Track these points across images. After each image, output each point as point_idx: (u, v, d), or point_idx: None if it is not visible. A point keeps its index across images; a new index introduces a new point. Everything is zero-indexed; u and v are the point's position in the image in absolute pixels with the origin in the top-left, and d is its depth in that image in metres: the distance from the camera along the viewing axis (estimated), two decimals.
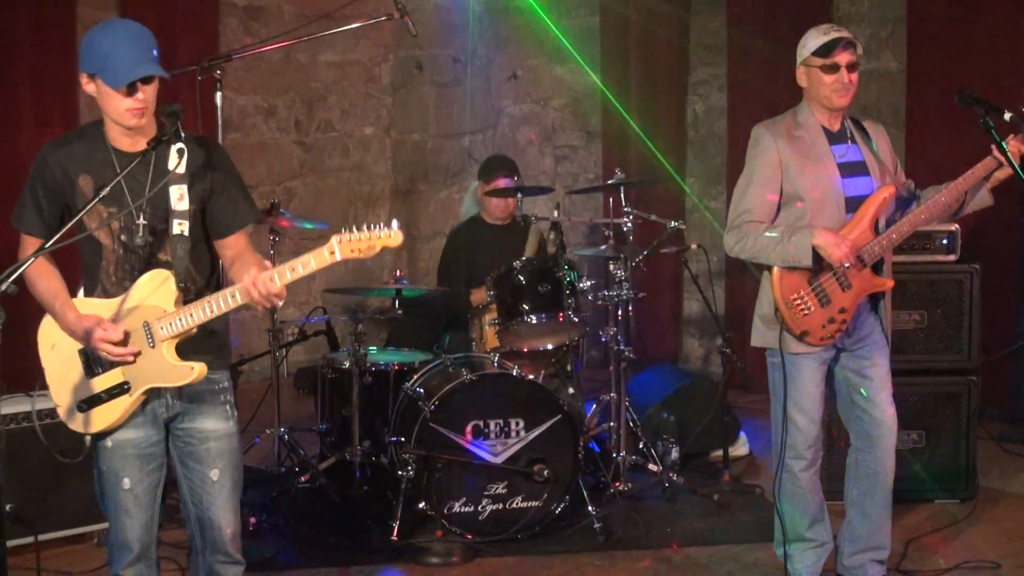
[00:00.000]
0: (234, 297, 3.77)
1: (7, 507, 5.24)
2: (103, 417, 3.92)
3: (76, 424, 3.95)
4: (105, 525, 4.24)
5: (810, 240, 4.58)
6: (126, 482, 3.98)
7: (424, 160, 10.89)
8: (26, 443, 5.46)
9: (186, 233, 3.91)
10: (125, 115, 3.81)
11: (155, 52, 3.82)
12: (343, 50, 10.51)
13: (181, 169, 3.87)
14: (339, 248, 3.68)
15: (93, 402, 3.90)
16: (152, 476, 4.04)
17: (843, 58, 4.64)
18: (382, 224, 3.69)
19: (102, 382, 3.91)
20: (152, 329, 3.85)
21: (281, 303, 3.82)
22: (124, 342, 3.83)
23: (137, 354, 3.86)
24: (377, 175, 10.99)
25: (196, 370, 3.87)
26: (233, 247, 4.04)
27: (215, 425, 4.04)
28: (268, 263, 3.79)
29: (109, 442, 3.96)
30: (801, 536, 4.95)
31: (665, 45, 9.45)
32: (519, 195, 6.72)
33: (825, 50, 4.64)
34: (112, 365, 3.89)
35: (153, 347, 3.86)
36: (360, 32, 10.03)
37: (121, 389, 3.89)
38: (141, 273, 3.90)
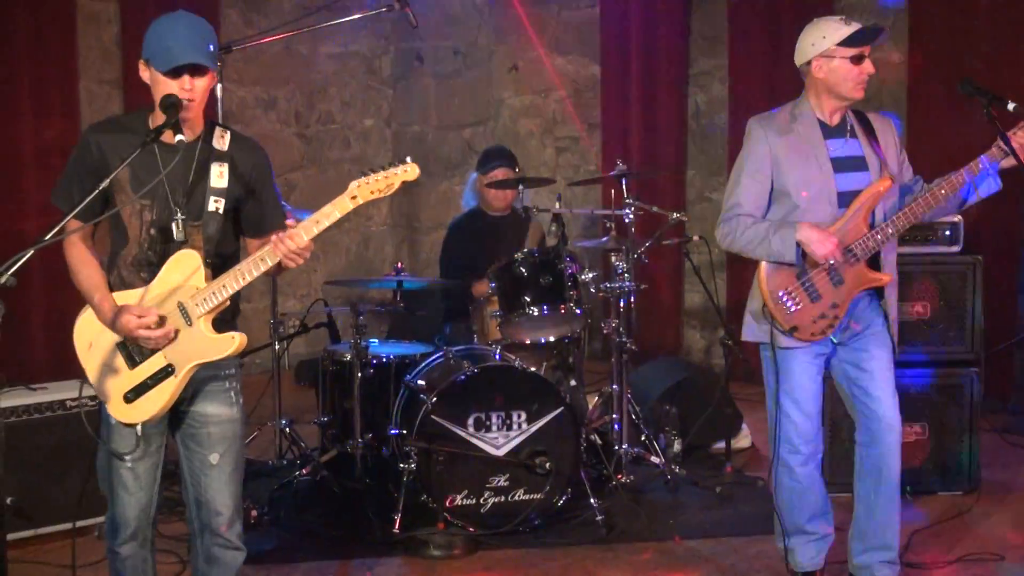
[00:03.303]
0: (264, 260, 3.85)
1: (7, 500, 5.27)
2: (152, 403, 3.94)
3: (127, 416, 3.96)
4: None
5: (794, 236, 4.56)
6: (128, 460, 4.00)
7: (425, 152, 10.86)
8: (27, 436, 5.47)
9: (220, 211, 3.94)
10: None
11: (211, 47, 3.85)
12: (343, 42, 10.49)
13: (223, 146, 3.95)
14: (359, 192, 3.81)
15: (140, 391, 3.92)
16: (153, 457, 4.06)
17: (867, 48, 4.60)
18: (396, 161, 3.83)
19: (145, 370, 3.92)
20: (187, 308, 3.89)
21: (308, 257, 3.86)
22: (160, 324, 3.86)
23: (176, 333, 3.89)
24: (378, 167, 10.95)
25: (237, 339, 3.92)
26: (256, 249, 4.07)
27: (217, 410, 4.05)
28: (291, 221, 3.86)
29: (113, 421, 3.98)
30: (801, 529, 4.92)
31: (666, 36, 9.43)
32: (520, 187, 6.71)
33: (855, 40, 4.57)
34: (152, 351, 3.91)
35: (191, 325, 3.90)
36: (360, 23, 10.02)
37: (166, 372, 3.91)
38: (158, 264, 3.91)
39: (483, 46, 10.52)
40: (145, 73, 3.87)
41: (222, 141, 3.97)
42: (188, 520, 4.21)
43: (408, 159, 3.85)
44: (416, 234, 10.98)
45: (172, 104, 3.78)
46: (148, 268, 3.93)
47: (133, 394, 3.93)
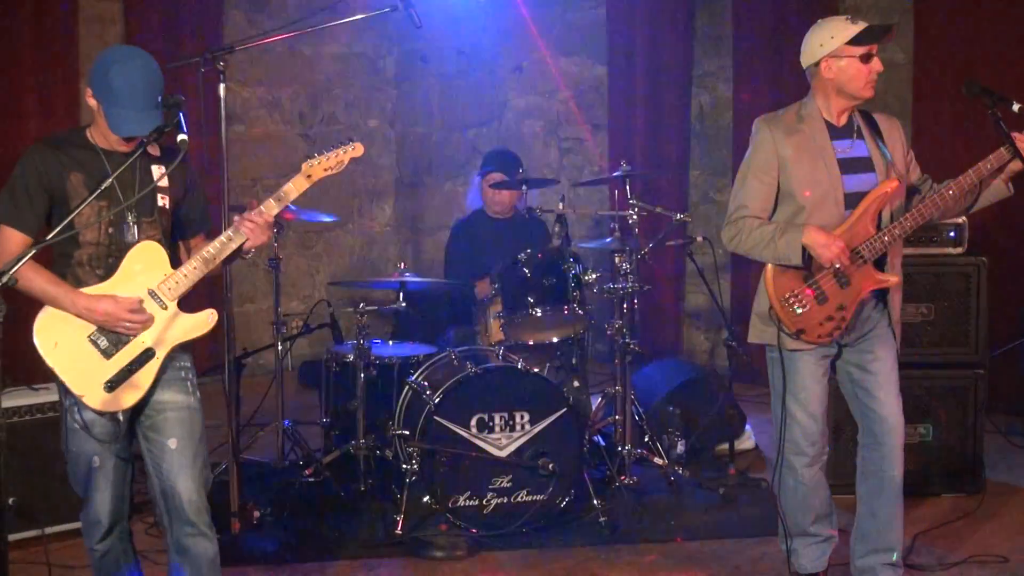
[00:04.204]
0: (230, 238, 4.10)
1: (9, 501, 5.27)
2: (135, 388, 4.06)
3: (109, 405, 4.05)
4: None
5: (800, 239, 4.53)
6: (96, 460, 4.12)
7: (429, 153, 10.86)
8: (29, 436, 5.46)
9: (167, 207, 4.16)
10: (115, 142, 4.04)
11: (159, 97, 3.98)
12: (347, 42, 10.49)
13: (156, 153, 4.16)
14: (313, 171, 4.26)
15: (120, 379, 4.03)
16: (120, 454, 4.17)
17: (874, 47, 4.58)
18: (346, 141, 4.33)
19: (124, 357, 4.04)
20: (159, 293, 4.06)
21: (270, 235, 4.23)
22: (141, 309, 4.03)
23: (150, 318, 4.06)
24: (381, 168, 10.97)
25: (214, 315, 4.17)
26: (190, 249, 4.36)
27: (173, 397, 4.16)
28: (255, 202, 4.20)
29: (76, 424, 4.06)
30: (804, 531, 4.91)
31: (670, 37, 9.42)
32: (524, 188, 6.70)
33: (863, 39, 4.53)
34: (127, 340, 4.04)
35: (166, 309, 4.07)
36: (364, 24, 10.00)
37: (147, 356, 4.06)
38: (115, 261, 4.05)
39: (487, 47, 10.52)
40: (92, 102, 4.00)
41: (155, 149, 4.15)
42: (156, 517, 4.32)
43: (351, 138, 4.34)
44: (420, 235, 10.98)
45: (175, 103, 3.93)
46: (105, 264, 4.06)
47: (113, 383, 4.02)
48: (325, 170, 4.26)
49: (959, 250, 6.17)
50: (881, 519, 4.80)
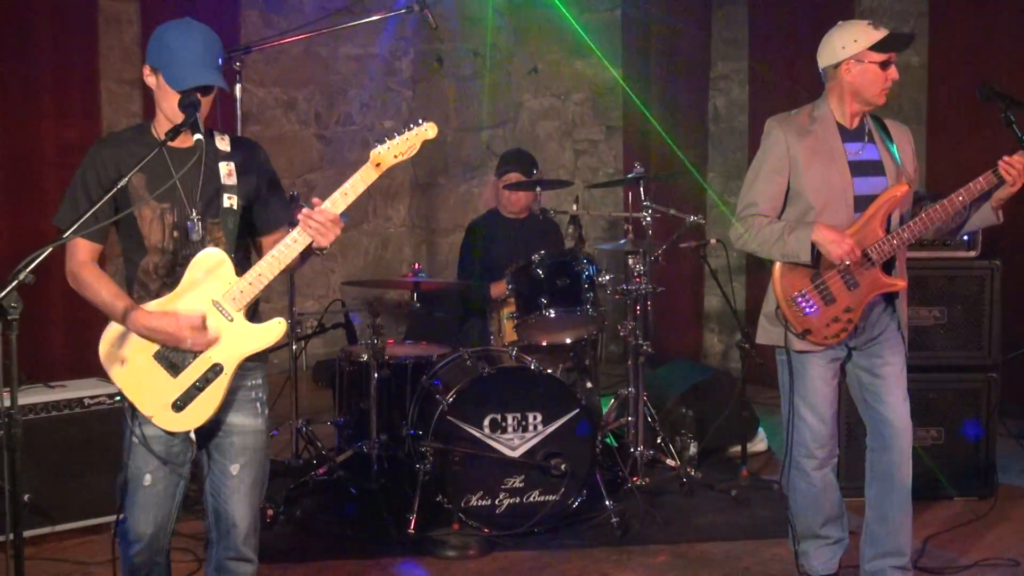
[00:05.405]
0: (295, 241, 3.84)
1: (25, 497, 5.30)
2: (205, 406, 3.89)
3: (178, 425, 3.89)
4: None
5: (809, 236, 4.55)
6: (147, 479, 3.95)
7: (444, 154, 10.87)
8: (44, 433, 5.49)
9: (235, 207, 3.95)
10: (179, 115, 3.81)
11: (220, 61, 3.88)
12: (363, 43, 10.50)
13: (226, 147, 3.97)
14: (383, 159, 3.96)
15: (189, 397, 3.87)
16: (174, 474, 4.00)
17: (894, 55, 4.59)
18: (417, 122, 4.01)
19: (191, 374, 3.87)
20: (223, 304, 3.86)
21: (339, 233, 3.87)
22: (204, 324, 3.83)
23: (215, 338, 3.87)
24: (396, 168, 10.92)
25: (283, 324, 3.93)
26: (269, 246, 4.08)
27: (242, 420, 4.01)
28: (318, 200, 3.87)
29: (136, 439, 3.91)
30: (815, 533, 4.91)
31: (686, 39, 9.43)
32: (538, 189, 6.71)
33: (885, 46, 4.54)
34: (194, 356, 3.86)
35: (231, 320, 3.87)
36: (380, 25, 10.05)
37: (215, 372, 3.88)
38: (181, 271, 3.88)
39: (503, 48, 10.53)
40: (151, 79, 3.87)
41: (224, 142, 3.99)
42: (207, 527, 4.17)
43: (421, 120, 4.00)
44: (434, 236, 11.00)
45: (191, 103, 3.78)
46: (172, 273, 3.90)
47: (182, 401, 3.87)
48: (395, 156, 4.00)
49: (973, 253, 6.17)
50: (890, 522, 4.80)
